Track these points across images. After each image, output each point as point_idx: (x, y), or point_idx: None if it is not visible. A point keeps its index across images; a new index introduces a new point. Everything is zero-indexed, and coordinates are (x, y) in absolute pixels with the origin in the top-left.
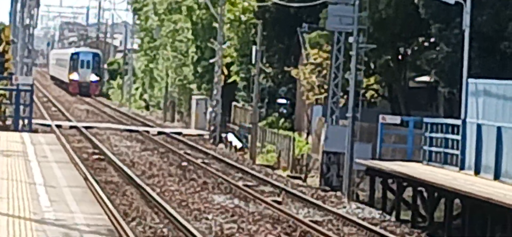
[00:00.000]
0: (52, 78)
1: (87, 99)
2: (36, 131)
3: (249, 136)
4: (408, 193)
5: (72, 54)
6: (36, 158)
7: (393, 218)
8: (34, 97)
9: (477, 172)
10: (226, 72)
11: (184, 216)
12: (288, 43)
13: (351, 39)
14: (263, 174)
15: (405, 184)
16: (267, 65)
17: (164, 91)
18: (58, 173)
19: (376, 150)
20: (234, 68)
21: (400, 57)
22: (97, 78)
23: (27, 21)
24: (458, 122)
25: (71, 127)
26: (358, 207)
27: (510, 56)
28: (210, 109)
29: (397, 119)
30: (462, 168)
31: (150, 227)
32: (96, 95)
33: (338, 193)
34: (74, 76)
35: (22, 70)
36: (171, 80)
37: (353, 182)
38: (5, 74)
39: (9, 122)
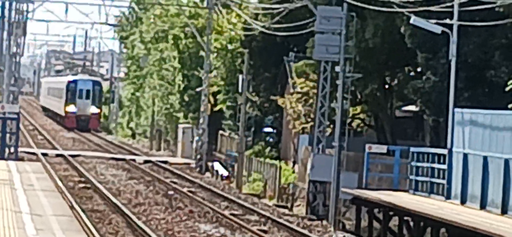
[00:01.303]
0: (44, 109)
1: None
2: (22, 159)
3: (236, 165)
4: (394, 222)
5: (69, 82)
6: (22, 186)
7: None
8: (20, 125)
9: (463, 201)
10: (212, 100)
11: None
12: (275, 72)
13: (337, 68)
14: (249, 203)
15: (391, 213)
16: (254, 94)
17: (150, 120)
18: (44, 202)
19: (362, 179)
20: (220, 96)
21: (386, 86)
22: (98, 111)
23: (14, 50)
24: (445, 151)
25: (57, 155)
26: (344, 236)
27: (496, 85)
28: (196, 137)
29: (383, 148)
30: (448, 197)
31: None
32: (97, 130)
33: (324, 222)
34: (71, 108)
35: (8, 98)
36: (157, 108)
37: (339, 211)
38: None
39: None
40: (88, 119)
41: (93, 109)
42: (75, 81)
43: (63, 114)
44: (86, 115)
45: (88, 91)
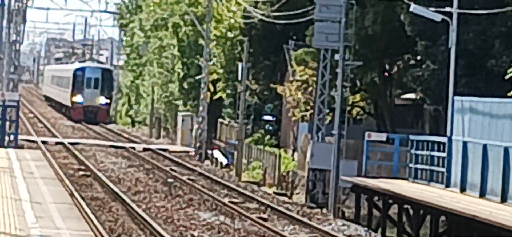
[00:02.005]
0: (47, 99)
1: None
2: (22, 147)
3: (235, 153)
4: (393, 210)
5: (76, 70)
6: (22, 174)
7: (378, 236)
8: (20, 113)
9: (463, 189)
10: (212, 88)
11: (170, 232)
12: (274, 60)
13: (337, 56)
14: (249, 191)
15: (390, 201)
16: (253, 82)
17: (150, 108)
18: (44, 189)
19: (362, 167)
20: (220, 84)
21: (386, 74)
22: (107, 101)
23: (13, 37)
24: (444, 139)
25: (57, 143)
26: (344, 224)
27: (496, 74)
28: (196, 125)
29: (383, 136)
30: (447, 185)
31: None
32: (106, 122)
33: (324, 210)
34: (78, 98)
35: (8, 86)
36: (157, 96)
37: (338, 199)
38: None
39: None
40: (96, 110)
41: (102, 100)
42: (82, 69)
43: (69, 104)
44: (94, 106)
45: (96, 79)
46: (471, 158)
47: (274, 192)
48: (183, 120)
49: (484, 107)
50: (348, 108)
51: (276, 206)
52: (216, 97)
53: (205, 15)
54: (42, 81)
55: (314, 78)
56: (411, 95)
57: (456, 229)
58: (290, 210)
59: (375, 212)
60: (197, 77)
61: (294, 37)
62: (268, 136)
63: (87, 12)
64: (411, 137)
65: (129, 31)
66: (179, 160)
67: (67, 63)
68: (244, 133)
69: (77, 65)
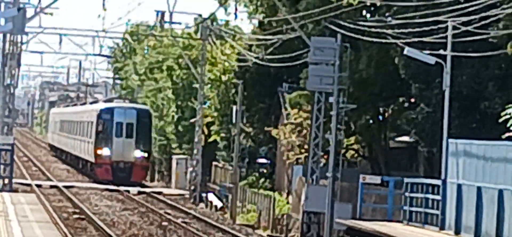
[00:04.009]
0: (54, 149)
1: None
2: (16, 190)
3: (230, 196)
4: None
5: (102, 111)
6: (17, 218)
7: None
8: (15, 157)
9: (457, 232)
10: (206, 131)
11: None
12: (269, 103)
13: (331, 99)
14: (243, 234)
15: None
16: (248, 124)
17: None
18: (39, 233)
19: (356, 210)
20: (214, 127)
21: (380, 117)
22: (145, 154)
23: (8, 81)
24: (439, 182)
25: (52, 186)
26: None
27: (490, 116)
28: (190, 168)
29: (377, 179)
30: (442, 228)
31: None
32: (143, 184)
33: None
34: (105, 151)
35: (3, 130)
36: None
37: None
38: None
39: None
40: (130, 167)
41: (138, 153)
42: (110, 110)
43: (91, 159)
44: (127, 162)
45: (130, 125)
46: (465, 200)
47: (269, 235)
48: (177, 163)
49: (478, 150)
50: (343, 150)
51: None
52: (210, 140)
53: (199, 58)
54: (45, 127)
55: (308, 121)
56: (406, 138)
57: None
58: None
59: None
60: (192, 120)
61: (288, 80)
62: (263, 179)
63: (81, 55)
64: (406, 180)
65: (123, 74)
66: (174, 203)
67: (84, 103)
68: (239, 176)
69: (103, 105)
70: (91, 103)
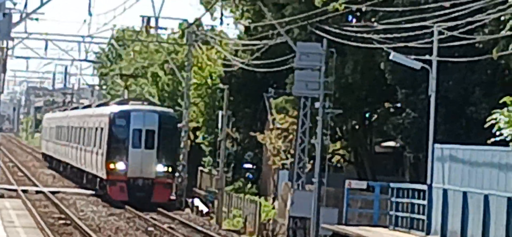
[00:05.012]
0: (47, 159)
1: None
2: (2, 196)
3: (216, 201)
4: None
5: (115, 115)
6: (2, 223)
7: None
8: (0, 162)
9: None
10: (192, 136)
11: None
12: (255, 108)
13: (317, 104)
14: None
15: None
16: (234, 130)
17: None
18: None
19: (342, 215)
20: (200, 133)
21: (366, 122)
22: (169, 169)
23: None
24: (424, 187)
25: (37, 192)
26: None
27: (476, 121)
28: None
29: (363, 184)
30: (428, 233)
31: None
32: (167, 207)
33: None
34: (120, 165)
35: None
36: None
37: None
38: None
39: None
40: (150, 185)
41: (160, 168)
42: (126, 114)
43: (102, 175)
44: (147, 179)
45: (150, 133)
46: (451, 205)
47: None
48: None
49: (464, 155)
50: (329, 156)
51: None
52: (196, 145)
53: (185, 63)
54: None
55: (294, 126)
56: (391, 143)
57: None
58: None
59: None
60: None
61: (274, 85)
62: (249, 184)
63: (67, 61)
64: (392, 184)
65: (109, 79)
66: (160, 209)
67: (89, 106)
68: (225, 181)
69: (116, 108)
70: (98, 105)
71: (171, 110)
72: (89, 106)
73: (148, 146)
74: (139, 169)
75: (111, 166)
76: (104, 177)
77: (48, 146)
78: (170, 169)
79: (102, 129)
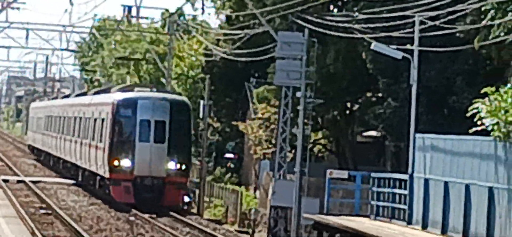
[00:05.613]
0: (35, 151)
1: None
2: None
3: (197, 191)
4: None
5: (120, 104)
6: None
7: None
8: None
9: (424, 227)
10: None
11: None
12: (236, 97)
13: (299, 94)
14: (210, 229)
15: None
16: (215, 119)
17: None
18: (5, 228)
19: (323, 205)
20: None
21: (348, 111)
22: (182, 166)
23: None
24: (406, 176)
25: (19, 181)
26: None
27: (458, 111)
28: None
29: (344, 174)
30: (409, 222)
31: None
32: (180, 211)
33: None
34: (125, 162)
35: None
36: None
37: (300, 236)
38: None
39: None
40: (160, 185)
41: (171, 165)
42: (131, 102)
43: (103, 173)
44: (156, 178)
45: (161, 124)
46: (432, 195)
47: (236, 230)
48: None
49: (445, 144)
50: (310, 145)
51: None
52: None
53: (166, 53)
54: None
55: (276, 116)
56: (373, 133)
57: None
58: None
59: None
60: None
61: (256, 75)
62: (230, 174)
63: (48, 50)
64: (373, 174)
65: (91, 68)
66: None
67: (84, 93)
68: (206, 171)
69: (120, 95)
70: (97, 93)
71: (184, 98)
72: (84, 93)
73: (157, 139)
74: (148, 167)
75: (115, 163)
76: (106, 175)
77: (35, 138)
78: (183, 167)
79: (103, 120)
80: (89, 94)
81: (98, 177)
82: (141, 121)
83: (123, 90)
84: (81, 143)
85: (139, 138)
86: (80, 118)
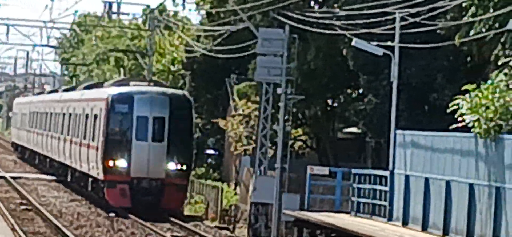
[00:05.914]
0: (19, 149)
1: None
2: None
3: None
4: None
5: (114, 98)
6: None
7: None
8: None
9: (405, 223)
10: None
11: None
12: (217, 94)
13: (279, 90)
14: (191, 225)
15: (333, 235)
16: (196, 115)
17: None
18: None
19: (304, 201)
20: None
21: (328, 108)
22: (183, 167)
23: None
24: (386, 173)
25: None
26: None
27: (438, 107)
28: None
29: (325, 170)
30: (390, 219)
31: None
32: (176, 213)
33: None
34: (121, 163)
35: None
36: None
37: (281, 233)
38: None
39: None
40: (159, 187)
41: (171, 165)
42: (127, 97)
43: (96, 174)
44: (154, 180)
45: (159, 121)
46: (413, 191)
47: (217, 226)
48: None
49: (426, 141)
50: (291, 142)
51: None
52: None
53: (147, 49)
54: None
55: (256, 112)
56: (354, 129)
57: None
58: None
59: None
60: None
61: (237, 71)
62: (211, 170)
63: (29, 46)
64: (354, 171)
65: (71, 65)
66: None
67: (73, 88)
68: None
69: (114, 90)
70: (88, 87)
71: (185, 92)
72: (73, 88)
73: (156, 138)
74: (145, 167)
75: (110, 163)
76: (100, 177)
77: (19, 135)
78: (184, 167)
79: (95, 116)
80: (79, 89)
81: (90, 179)
82: (138, 118)
83: (118, 84)
84: (71, 141)
85: (136, 136)
86: (70, 115)
